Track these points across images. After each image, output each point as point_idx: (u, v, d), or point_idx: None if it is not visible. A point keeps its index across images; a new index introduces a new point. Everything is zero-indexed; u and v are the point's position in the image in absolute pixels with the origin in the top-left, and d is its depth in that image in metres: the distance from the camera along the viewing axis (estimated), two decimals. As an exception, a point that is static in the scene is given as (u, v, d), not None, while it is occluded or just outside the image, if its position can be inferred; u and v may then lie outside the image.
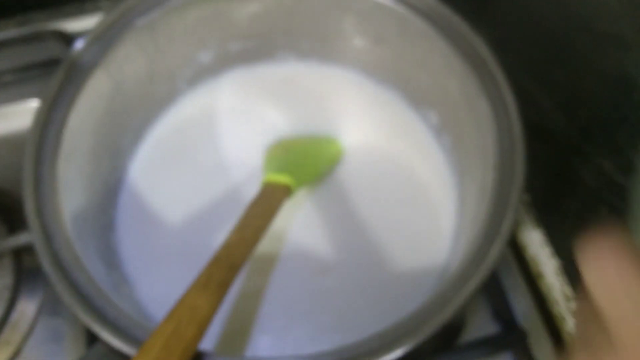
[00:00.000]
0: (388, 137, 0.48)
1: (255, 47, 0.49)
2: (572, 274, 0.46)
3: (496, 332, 0.45)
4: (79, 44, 0.38)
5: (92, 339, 0.38)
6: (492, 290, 0.45)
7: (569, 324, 0.47)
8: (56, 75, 0.37)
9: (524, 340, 0.45)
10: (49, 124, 0.35)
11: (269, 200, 0.38)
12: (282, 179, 0.41)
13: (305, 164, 0.45)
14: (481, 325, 0.46)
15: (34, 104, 0.49)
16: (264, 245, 0.39)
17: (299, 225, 0.44)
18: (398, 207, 0.45)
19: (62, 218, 0.33)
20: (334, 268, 0.42)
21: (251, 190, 0.41)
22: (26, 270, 0.42)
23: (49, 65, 0.51)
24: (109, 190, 0.43)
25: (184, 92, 0.49)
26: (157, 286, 0.41)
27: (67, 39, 0.55)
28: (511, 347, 0.44)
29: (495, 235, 0.31)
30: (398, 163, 0.47)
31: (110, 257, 0.40)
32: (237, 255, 0.34)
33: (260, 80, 0.50)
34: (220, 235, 0.38)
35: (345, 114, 0.49)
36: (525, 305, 0.47)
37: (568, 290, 0.46)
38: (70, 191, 0.36)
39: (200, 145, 0.48)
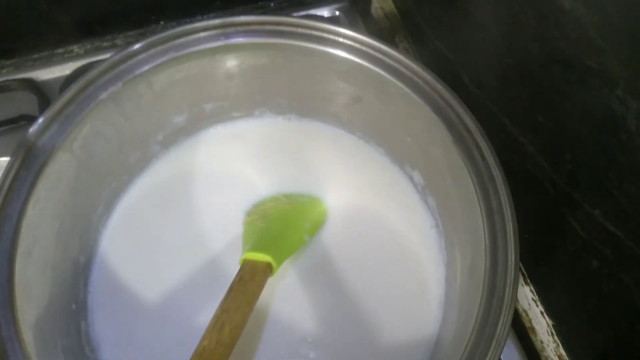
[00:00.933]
0: (372, 195, 0.46)
1: (231, 106, 0.47)
2: (566, 334, 0.45)
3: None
4: (35, 126, 0.35)
5: None
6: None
7: (565, 385, 0.45)
8: (11, 163, 0.34)
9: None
10: (3, 221, 0.32)
11: (248, 286, 0.36)
12: (263, 257, 0.39)
13: (287, 234, 0.43)
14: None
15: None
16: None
17: (280, 296, 0.42)
18: (384, 272, 0.43)
19: (21, 329, 0.30)
20: (319, 341, 0.40)
21: (232, 262, 0.39)
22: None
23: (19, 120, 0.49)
24: (79, 270, 0.40)
25: (157, 155, 0.46)
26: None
27: (38, 88, 0.52)
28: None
29: (492, 335, 0.30)
30: (383, 222, 0.45)
31: (82, 350, 0.38)
32: None
33: (238, 138, 0.48)
34: (202, 313, 0.35)
35: (328, 171, 0.47)
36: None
37: (562, 351, 0.45)
38: (32, 290, 0.33)
39: (175, 211, 0.45)
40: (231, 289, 0.36)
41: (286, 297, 0.42)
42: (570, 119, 0.40)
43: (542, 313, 0.47)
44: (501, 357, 0.45)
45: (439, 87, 0.38)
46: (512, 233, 0.33)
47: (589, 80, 0.37)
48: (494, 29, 0.46)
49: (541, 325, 0.47)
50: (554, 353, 0.46)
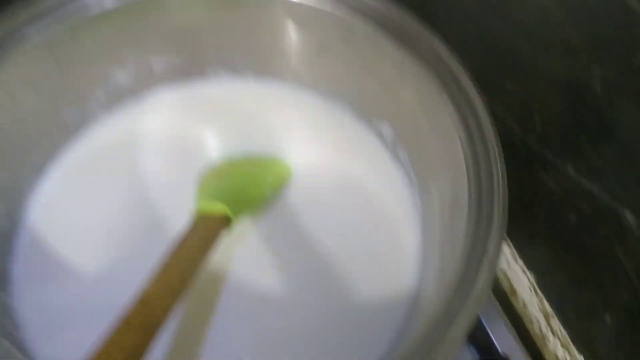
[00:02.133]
0: (338, 155, 0.43)
1: (182, 64, 0.43)
2: (549, 288, 0.43)
3: (472, 360, 0.41)
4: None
5: None
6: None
7: (552, 344, 0.43)
8: None
9: (506, 368, 0.40)
10: None
11: (201, 235, 0.32)
12: (217, 207, 0.34)
13: (244, 190, 0.39)
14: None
15: None
16: (201, 285, 0.33)
17: (242, 259, 0.37)
18: (354, 231, 0.40)
19: None
20: (286, 306, 0.36)
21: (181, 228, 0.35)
22: None
23: None
24: (3, 239, 0.35)
25: (98, 117, 0.42)
26: (63, 354, 0.33)
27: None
28: (493, 378, 0.40)
29: (480, 257, 0.27)
30: (351, 182, 0.42)
31: (3, 324, 0.32)
32: (157, 311, 0.26)
33: (190, 100, 0.44)
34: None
35: (290, 133, 0.44)
36: (502, 328, 0.43)
37: (547, 306, 0.43)
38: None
39: (118, 178, 0.40)
40: (181, 237, 0.31)
41: (247, 261, 0.37)
42: (537, 85, 0.41)
43: (522, 269, 0.45)
44: (484, 324, 0.43)
45: (407, 19, 0.35)
46: (498, 162, 0.30)
47: (551, 50, 0.37)
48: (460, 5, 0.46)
49: (522, 283, 0.45)
50: (538, 310, 0.44)
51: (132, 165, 0.41)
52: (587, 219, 0.39)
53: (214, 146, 0.43)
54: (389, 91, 0.39)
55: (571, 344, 0.41)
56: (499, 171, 0.30)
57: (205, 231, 0.32)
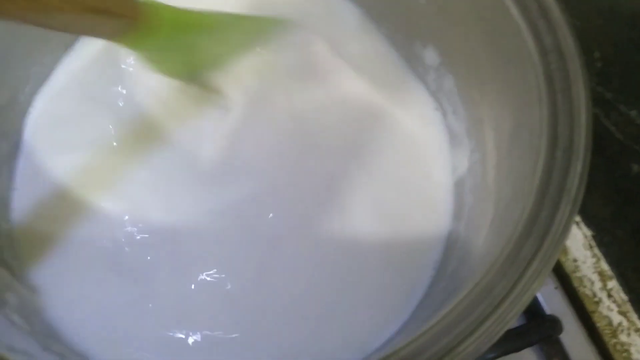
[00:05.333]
0: (370, 85, 0.37)
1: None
2: (608, 245, 0.38)
3: (518, 323, 0.36)
4: None
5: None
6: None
7: (605, 307, 0.38)
8: None
9: (553, 330, 0.36)
10: None
11: None
12: None
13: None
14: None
15: None
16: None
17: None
18: (386, 162, 0.34)
19: None
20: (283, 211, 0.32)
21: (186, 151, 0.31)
22: None
23: None
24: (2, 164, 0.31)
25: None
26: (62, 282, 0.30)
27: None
28: (538, 341, 0.35)
29: (558, 194, 0.21)
30: (381, 113, 0.36)
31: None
32: None
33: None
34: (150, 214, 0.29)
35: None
36: (549, 286, 0.38)
37: (605, 265, 0.38)
38: None
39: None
40: None
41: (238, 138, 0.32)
42: (598, 17, 0.36)
43: (577, 223, 0.39)
44: None
45: None
46: (581, 82, 0.24)
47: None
48: None
49: (575, 239, 0.40)
50: (593, 269, 0.38)
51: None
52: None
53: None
54: (436, 3, 0.33)
55: (631, 309, 0.36)
56: (582, 93, 0.24)
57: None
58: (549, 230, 0.20)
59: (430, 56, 0.36)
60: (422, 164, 0.34)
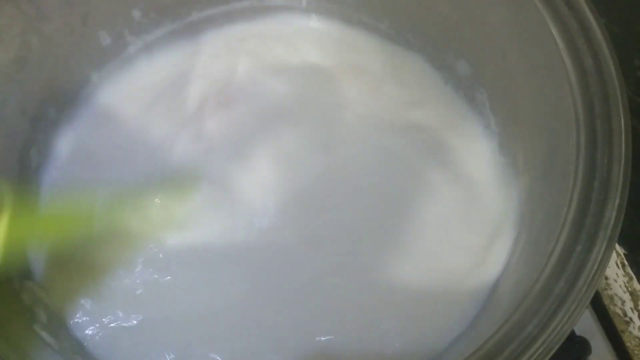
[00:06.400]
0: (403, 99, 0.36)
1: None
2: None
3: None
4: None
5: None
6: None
7: (637, 328, 0.37)
8: None
9: (582, 353, 0.35)
10: None
11: None
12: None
13: None
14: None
15: None
16: None
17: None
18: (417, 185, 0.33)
19: None
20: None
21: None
22: None
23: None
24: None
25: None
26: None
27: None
28: (567, 361, 0.35)
29: (594, 227, 0.20)
30: (415, 127, 0.35)
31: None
32: None
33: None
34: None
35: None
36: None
37: (636, 285, 0.37)
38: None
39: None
40: None
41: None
42: (637, 22, 0.34)
43: (610, 241, 0.38)
44: None
45: None
46: (620, 107, 0.23)
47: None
48: None
49: (607, 257, 0.38)
50: (625, 289, 0.37)
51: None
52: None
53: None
54: (470, 16, 0.32)
55: (663, 331, 0.35)
56: (622, 119, 0.23)
57: None
58: (584, 266, 0.19)
59: (462, 67, 0.35)
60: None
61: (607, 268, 0.38)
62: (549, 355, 0.18)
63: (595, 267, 0.19)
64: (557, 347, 0.18)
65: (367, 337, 0.28)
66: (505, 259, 0.28)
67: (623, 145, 0.22)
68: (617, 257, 0.38)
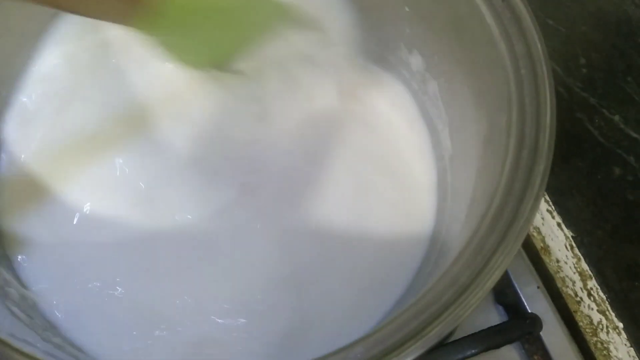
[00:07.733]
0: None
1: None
2: (588, 246, 0.39)
3: (500, 320, 0.38)
4: None
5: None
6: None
7: (586, 307, 0.39)
8: None
9: (533, 328, 0.37)
10: None
11: None
12: None
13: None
14: (482, 313, 0.38)
15: None
16: None
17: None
18: (371, 168, 0.37)
19: None
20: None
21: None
22: None
23: None
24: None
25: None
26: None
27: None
28: (519, 338, 0.37)
29: (522, 190, 0.22)
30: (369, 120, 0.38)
31: None
32: None
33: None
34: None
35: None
36: (532, 287, 0.39)
37: (585, 266, 0.39)
38: None
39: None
40: None
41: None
42: (583, 23, 0.37)
43: (559, 225, 0.40)
44: (514, 282, 0.39)
45: None
46: (547, 87, 0.25)
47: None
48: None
49: (557, 240, 0.41)
50: (574, 269, 0.39)
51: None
52: (633, 172, 0.35)
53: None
54: (419, 13, 0.35)
55: (609, 308, 0.37)
56: (547, 97, 0.25)
57: None
58: (512, 224, 0.21)
59: (416, 61, 0.38)
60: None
61: (558, 251, 0.41)
62: (479, 302, 0.20)
63: (521, 223, 0.21)
64: (485, 295, 0.20)
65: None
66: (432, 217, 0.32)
67: (548, 117, 0.24)
68: (566, 239, 0.40)
